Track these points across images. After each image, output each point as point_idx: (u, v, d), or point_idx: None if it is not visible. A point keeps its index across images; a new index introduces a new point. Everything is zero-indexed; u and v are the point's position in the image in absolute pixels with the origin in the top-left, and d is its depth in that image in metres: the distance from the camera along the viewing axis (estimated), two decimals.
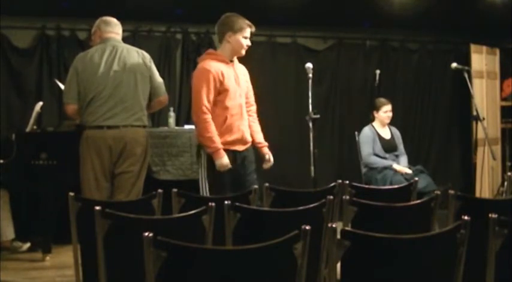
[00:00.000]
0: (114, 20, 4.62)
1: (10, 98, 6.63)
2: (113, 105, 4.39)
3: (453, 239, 2.24)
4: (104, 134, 4.38)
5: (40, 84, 6.70)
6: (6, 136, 5.69)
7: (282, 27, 7.50)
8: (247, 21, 4.41)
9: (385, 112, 6.51)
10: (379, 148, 6.41)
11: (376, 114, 6.54)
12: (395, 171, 6.24)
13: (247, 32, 4.40)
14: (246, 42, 4.41)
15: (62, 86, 5.51)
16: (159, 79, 4.61)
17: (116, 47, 4.49)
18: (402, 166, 6.37)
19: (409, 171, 6.26)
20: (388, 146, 6.49)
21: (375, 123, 6.55)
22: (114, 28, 4.59)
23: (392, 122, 6.77)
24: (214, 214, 2.74)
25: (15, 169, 5.22)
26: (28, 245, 5.61)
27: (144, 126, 4.55)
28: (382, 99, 6.58)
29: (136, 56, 4.52)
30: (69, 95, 4.46)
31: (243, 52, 4.46)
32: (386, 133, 6.58)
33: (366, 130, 6.50)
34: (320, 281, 3.03)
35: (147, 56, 4.59)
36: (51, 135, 5.49)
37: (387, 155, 6.42)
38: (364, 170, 6.44)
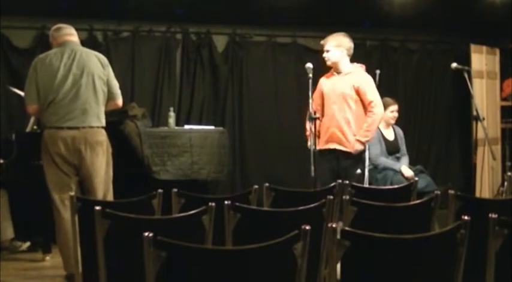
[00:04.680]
0: (63, 25, 4.73)
1: (10, 98, 6.62)
2: (73, 108, 4.50)
3: (453, 239, 2.23)
4: (65, 134, 4.49)
5: None
6: (6, 136, 5.69)
7: (282, 27, 7.49)
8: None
9: (391, 112, 6.36)
10: (382, 150, 6.34)
11: None
12: (403, 176, 6.19)
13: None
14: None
15: (17, 92, 5.55)
16: (115, 82, 4.73)
17: (75, 50, 4.60)
18: (403, 166, 6.34)
19: (413, 175, 6.19)
20: (391, 148, 6.41)
21: (380, 124, 6.46)
22: (66, 30, 4.70)
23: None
24: (214, 214, 2.75)
25: (15, 169, 5.23)
26: (28, 245, 5.61)
27: (103, 127, 4.65)
28: (389, 99, 6.42)
29: (95, 59, 4.63)
30: (30, 95, 4.56)
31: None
32: (390, 134, 6.48)
33: None
34: (320, 281, 3.03)
35: (104, 59, 4.72)
36: None
37: (389, 157, 6.37)
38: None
